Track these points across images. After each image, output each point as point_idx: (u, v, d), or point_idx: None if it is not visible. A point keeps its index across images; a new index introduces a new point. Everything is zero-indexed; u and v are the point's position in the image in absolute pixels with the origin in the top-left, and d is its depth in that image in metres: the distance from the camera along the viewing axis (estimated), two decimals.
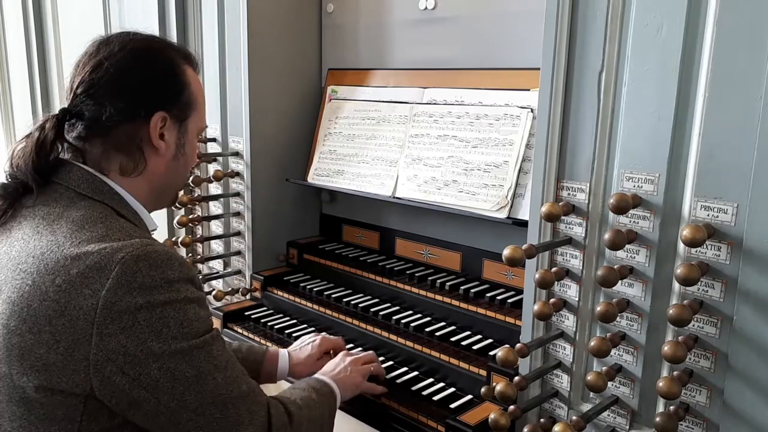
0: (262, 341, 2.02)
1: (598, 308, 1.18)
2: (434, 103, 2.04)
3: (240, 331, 2.12)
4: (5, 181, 1.21)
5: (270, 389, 1.71)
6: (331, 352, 1.75)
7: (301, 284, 2.24)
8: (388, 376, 1.72)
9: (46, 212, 1.16)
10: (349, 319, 1.98)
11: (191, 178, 2.26)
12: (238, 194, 2.35)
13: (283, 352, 1.70)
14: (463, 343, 1.76)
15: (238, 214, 2.37)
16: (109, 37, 1.25)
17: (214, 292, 2.28)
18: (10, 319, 1.07)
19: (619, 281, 1.22)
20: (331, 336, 1.81)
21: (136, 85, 1.23)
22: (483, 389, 1.42)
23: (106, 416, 1.10)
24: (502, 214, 1.76)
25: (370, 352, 1.74)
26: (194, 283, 1.16)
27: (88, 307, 1.03)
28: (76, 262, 1.06)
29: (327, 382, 1.50)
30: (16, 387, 1.08)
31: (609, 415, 1.33)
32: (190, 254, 2.41)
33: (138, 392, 1.07)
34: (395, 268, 2.13)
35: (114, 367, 1.05)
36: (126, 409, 1.09)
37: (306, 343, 1.73)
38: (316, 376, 1.54)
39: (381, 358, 1.83)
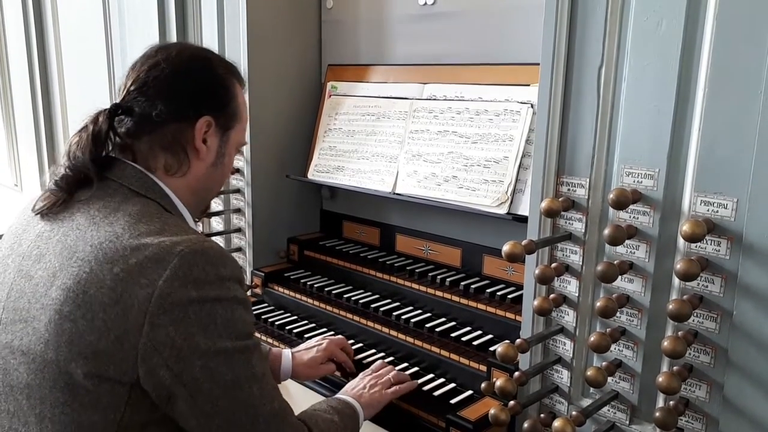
0: (264, 338, 2.02)
1: (598, 304, 1.18)
2: (434, 99, 2.03)
3: None
4: (66, 173, 1.23)
5: None
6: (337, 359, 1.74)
7: (302, 280, 2.24)
8: (369, 369, 1.70)
9: (102, 205, 1.19)
10: (349, 315, 1.98)
11: None
12: (238, 191, 2.35)
13: (286, 353, 1.69)
14: (464, 338, 1.76)
15: (238, 210, 2.37)
16: (168, 43, 1.34)
17: None
18: (64, 304, 1.08)
19: (619, 276, 1.22)
20: (337, 337, 1.80)
21: (188, 88, 1.27)
22: (483, 385, 1.42)
23: (148, 408, 1.10)
24: (502, 210, 1.76)
25: (390, 366, 1.69)
26: (242, 285, 1.17)
27: (143, 296, 1.05)
28: (136, 253, 1.08)
29: (350, 402, 1.48)
30: (62, 373, 1.08)
31: (609, 410, 1.34)
32: None
33: (177, 388, 1.08)
34: (395, 264, 2.13)
35: (160, 359, 1.06)
36: (165, 403, 1.10)
37: (311, 346, 1.72)
38: (338, 396, 1.52)
39: (381, 354, 1.84)
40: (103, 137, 1.22)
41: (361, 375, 1.63)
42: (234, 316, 1.12)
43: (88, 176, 1.20)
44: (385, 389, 1.57)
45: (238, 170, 2.32)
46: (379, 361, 1.72)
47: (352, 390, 1.56)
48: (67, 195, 1.22)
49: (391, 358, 1.82)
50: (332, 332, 1.99)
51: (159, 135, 1.25)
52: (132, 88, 1.25)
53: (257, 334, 2.03)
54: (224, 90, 1.32)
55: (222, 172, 1.37)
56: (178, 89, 1.26)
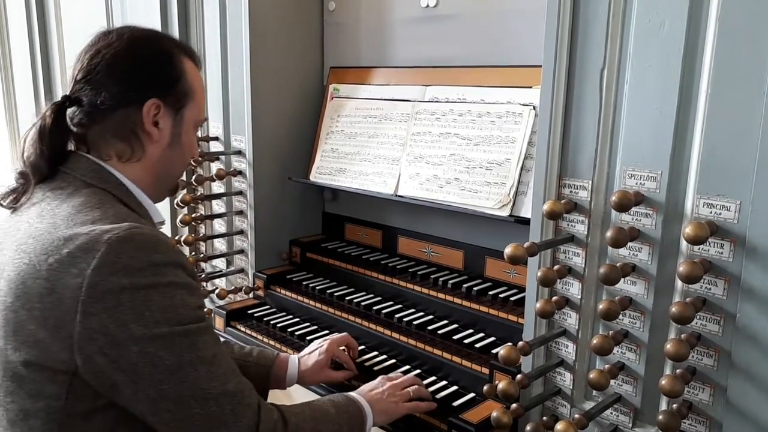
0: (265, 340, 2.02)
1: (601, 306, 1.18)
2: (436, 101, 2.03)
3: (243, 329, 2.12)
4: (21, 170, 1.27)
5: (278, 395, 1.70)
6: (344, 348, 1.74)
7: (304, 282, 2.24)
8: (390, 375, 1.69)
9: (52, 198, 1.21)
10: (351, 318, 1.98)
11: (194, 177, 2.27)
12: (240, 193, 2.35)
13: (293, 358, 1.68)
14: (466, 341, 1.76)
15: (240, 212, 2.37)
16: (110, 29, 1.31)
17: (217, 291, 2.29)
18: (8, 295, 1.11)
19: (622, 279, 1.22)
20: (338, 334, 1.79)
21: (130, 71, 1.27)
22: (485, 387, 1.41)
23: (91, 396, 1.11)
24: (505, 212, 1.75)
25: (411, 375, 1.65)
26: (185, 270, 1.16)
27: (74, 285, 1.06)
28: (68, 243, 1.09)
29: (356, 400, 1.44)
30: (10, 362, 1.11)
31: (612, 413, 1.33)
32: (193, 253, 2.42)
33: (117, 375, 1.08)
34: (398, 267, 2.12)
35: (95, 346, 1.07)
36: (109, 391, 1.11)
37: (313, 349, 1.71)
38: (347, 393, 1.48)
39: (383, 357, 1.84)
40: (48, 132, 1.24)
41: (381, 378, 1.58)
42: (173, 302, 1.11)
43: (42, 172, 1.23)
44: (404, 401, 1.53)
45: (240, 172, 2.32)
46: (409, 375, 1.65)
47: (368, 391, 1.51)
48: (22, 192, 1.25)
49: (393, 361, 1.81)
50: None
51: (108, 123, 1.26)
52: (78, 77, 1.26)
53: (260, 338, 2.04)
54: (170, 68, 1.31)
55: (181, 152, 1.36)
56: (120, 74, 1.25)
